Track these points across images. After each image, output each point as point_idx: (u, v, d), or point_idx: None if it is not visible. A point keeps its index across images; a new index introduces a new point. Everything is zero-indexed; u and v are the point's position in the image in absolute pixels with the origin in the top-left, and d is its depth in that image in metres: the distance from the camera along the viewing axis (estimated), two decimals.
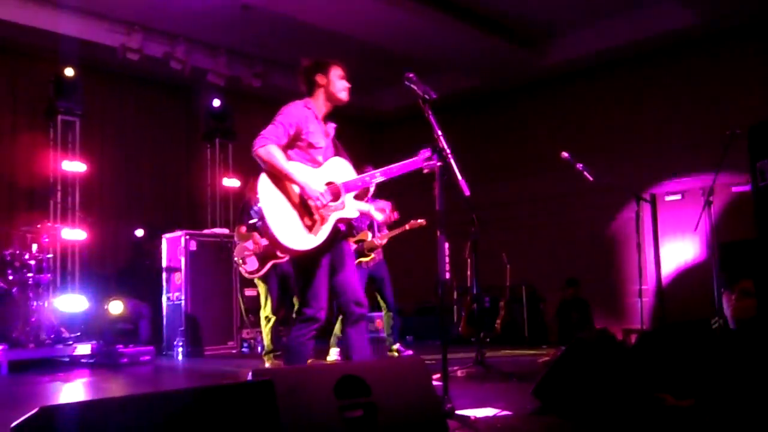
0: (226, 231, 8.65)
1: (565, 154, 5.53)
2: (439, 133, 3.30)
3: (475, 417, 3.39)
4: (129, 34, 8.51)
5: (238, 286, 8.34)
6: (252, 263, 6.08)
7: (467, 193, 3.21)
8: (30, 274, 7.05)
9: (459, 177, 3.23)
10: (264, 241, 6.02)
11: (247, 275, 6.23)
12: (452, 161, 3.26)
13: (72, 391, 5.50)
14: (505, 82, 10.18)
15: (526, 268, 8.99)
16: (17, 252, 7.03)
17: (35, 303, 7.13)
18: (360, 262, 6.22)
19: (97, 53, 8.59)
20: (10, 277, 6.87)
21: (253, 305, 8.43)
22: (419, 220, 6.31)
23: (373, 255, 6.29)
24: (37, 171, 8.49)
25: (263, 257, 6.04)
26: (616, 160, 8.89)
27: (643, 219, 6.74)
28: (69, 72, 8.06)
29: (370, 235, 6.33)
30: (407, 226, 6.34)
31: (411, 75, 3.44)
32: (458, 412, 3.24)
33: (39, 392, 5.41)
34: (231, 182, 9.98)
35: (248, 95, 10.20)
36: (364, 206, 4.09)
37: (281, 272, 6.10)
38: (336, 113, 3.93)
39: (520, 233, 9.88)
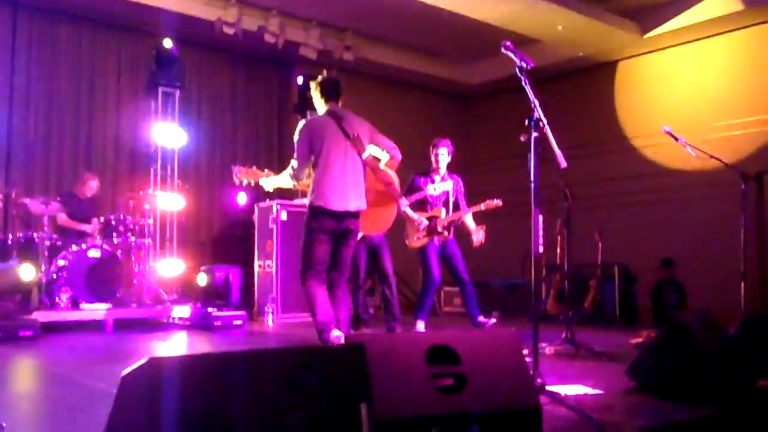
0: None
1: (666, 128, 5.29)
2: (536, 102, 3.22)
3: (566, 394, 3.34)
4: (225, 8, 8.70)
5: None
6: None
7: (564, 165, 3.12)
8: (132, 238, 7.43)
9: (556, 149, 3.14)
10: None
11: None
12: (548, 132, 3.17)
13: (171, 348, 5.78)
14: (603, 53, 9.81)
15: (619, 246, 8.72)
16: (121, 216, 7.41)
17: (137, 266, 7.51)
18: (432, 238, 6.19)
19: (195, 27, 8.84)
20: (115, 240, 7.26)
21: None
22: (495, 201, 6.23)
23: (446, 233, 6.22)
24: (139, 140, 8.88)
25: None
26: (720, 137, 8.44)
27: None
28: (168, 43, 8.32)
29: (444, 212, 6.28)
30: (483, 206, 6.26)
31: (508, 43, 3.36)
32: (548, 387, 3.19)
33: (142, 348, 5.72)
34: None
35: (339, 68, 10.25)
36: None
37: (370, 243, 6.16)
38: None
39: (614, 211, 9.57)
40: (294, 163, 4.45)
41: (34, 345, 5.67)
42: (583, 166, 9.83)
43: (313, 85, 4.61)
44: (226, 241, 9.39)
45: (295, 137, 4.46)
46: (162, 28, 8.37)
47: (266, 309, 7.91)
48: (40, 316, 6.23)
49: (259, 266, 8.31)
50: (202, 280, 7.71)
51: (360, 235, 5.94)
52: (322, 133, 4.37)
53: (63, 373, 4.36)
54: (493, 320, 6.26)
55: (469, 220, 6.34)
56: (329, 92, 4.54)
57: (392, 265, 6.25)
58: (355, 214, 4.45)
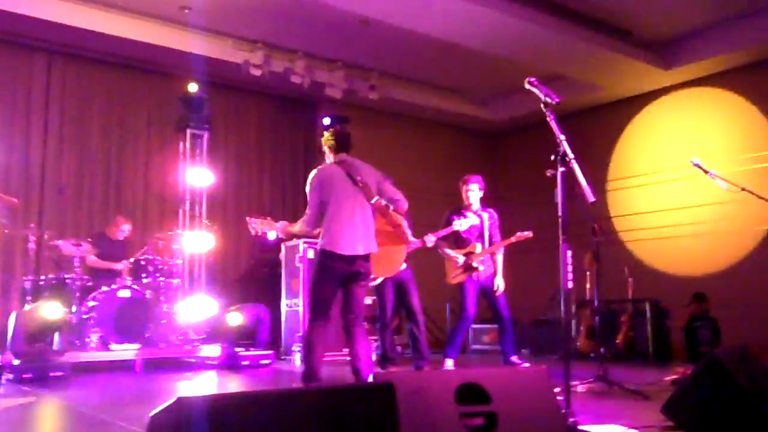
0: None
1: (695, 161, 5.23)
2: (562, 137, 3.21)
3: None
4: (252, 50, 8.89)
5: None
6: None
7: (592, 199, 3.10)
8: (161, 279, 7.50)
9: (583, 182, 3.12)
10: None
11: None
12: (575, 166, 3.16)
13: (199, 387, 5.77)
14: (627, 87, 9.81)
15: (650, 281, 8.58)
16: (151, 257, 7.49)
17: (165, 306, 7.56)
18: (470, 274, 6.14)
19: (223, 70, 9.04)
20: (144, 281, 7.33)
21: (368, 313, 8.54)
22: (525, 233, 6.18)
23: (481, 267, 6.17)
24: (168, 181, 9.03)
25: None
26: (748, 169, 8.33)
27: None
28: (193, 88, 8.52)
29: (479, 246, 6.24)
30: (513, 239, 6.22)
31: (533, 79, 3.38)
32: (581, 427, 3.12)
33: (170, 388, 5.72)
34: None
35: (364, 108, 10.38)
36: None
37: (397, 280, 6.14)
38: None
39: (644, 245, 9.44)
40: (308, 211, 4.62)
41: (65, 386, 5.71)
42: (612, 200, 9.77)
43: (326, 135, 4.84)
44: (253, 280, 9.42)
45: (307, 188, 4.65)
46: (190, 72, 8.56)
47: (293, 348, 7.89)
48: (71, 357, 6.28)
49: (286, 305, 8.32)
50: (232, 319, 7.69)
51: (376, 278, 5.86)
52: (332, 181, 4.56)
53: (93, 414, 4.37)
54: (527, 364, 6.14)
55: (498, 260, 6.27)
56: (340, 144, 4.75)
57: (420, 302, 6.21)
58: (365, 257, 4.55)
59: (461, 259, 6.14)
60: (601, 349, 5.29)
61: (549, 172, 3.31)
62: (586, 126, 10.30)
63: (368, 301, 8.45)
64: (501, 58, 8.86)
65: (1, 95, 8.17)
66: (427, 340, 6.17)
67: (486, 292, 6.22)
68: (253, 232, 4.80)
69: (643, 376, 5.95)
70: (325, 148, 4.81)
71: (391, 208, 4.78)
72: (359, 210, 4.55)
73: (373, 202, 4.63)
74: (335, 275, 4.48)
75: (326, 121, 9.62)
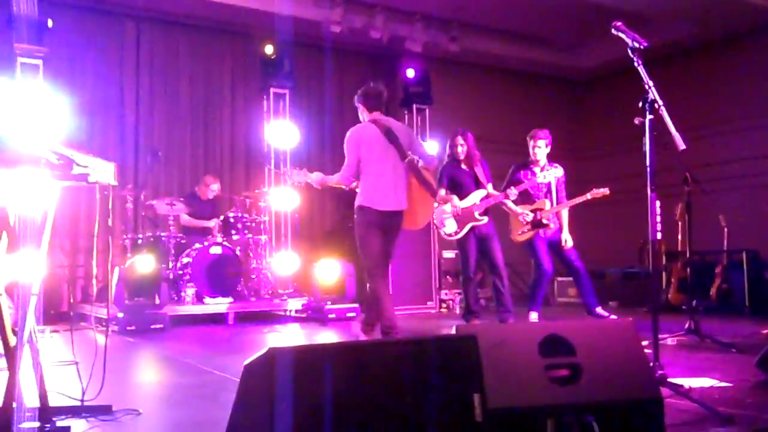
0: None
1: None
2: (650, 83, 3.08)
3: (689, 386, 3.19)
4: (332, 7, 8.88)
5: (437, 248, 8.51)
6: (450, 225, 6.17)
7: (682, 147, 2.98)
8: (250, 236, 7.76)
9: (673, 130, 3.00)
10: (463, 204, 6.09)
11: (445, 237, 6.34)
12: (665, 113, 3.03)
13: (288, 339, 6.00)
14: (722, 29, 9.24)
15: (747, 231, 8.19)
16: (239, 215, 7.75)
17: (254, 262, 7.84)
18: (538, 231, 6.14)
19: (303, 28, 9.08)
20: (234, 238, 7.60)
21: (451, 267, 8.59)
22: (602, 189, 6.06)
23: (551, 224, 6.14)
24: (253, 140, 9.25)
25: (462, 220, 6.10)
26: None
27: None
28: (269, 49, 8.69)
29: (548, 203, 6.18)
30: (589, 195, 6.12)
31: (619, 23, 3.24)
32: (670, 379, 3.07)
33: (260, 339, 5.98)
34: (428, 146, 10.11)
35: (445, 60, 10.24)
36: None
37: (480, 235, 6.12)
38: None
39: (740, 194, 9.00)
40: (345, 167, 4.83)
41: (164, 337, 6.06)
42: (704, 148, 9.31)
43: (359, 94, 5.05)
44: (338, 235, 9.59)
45: (345, 145, 4.87)
46: (272, 31, 8.66)
47: None
48: (169, 310, 6.64)
49: None
50: (318, 274, 7.88)
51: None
52: (367, 140, 4.75)
53: (191, 363, 4.63)
54: (614, 316, 6.05)
55: (564, 215, 6.20)
56: (374, 102, 4.95)
57: (503, 256, 6.19)
58: (399, 212, 4.78)
59: (530, 216, 6.12)
60: (693, 302, 5.13)
61: (636, 120, 3.20)
62: (677, 70, 9.81)
63: (451, 255, 8.52)
64: (585, 2, 8.50)
65: (96, 63, 8.52)
66: (511, 294, 6.15)
67: (554, 247, 6.21)
68: (289, 183, 5.09)
69: (737, 329, 5.74)
70: (359, 106, 4.99)
71: (421, 163, 4.90)
72: (393, 168, 4.72)
73: (405, 161, 4.77)
74: (376, 228, 4.69)
75: (410, 73, 9.59)
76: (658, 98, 3.06)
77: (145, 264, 6.70)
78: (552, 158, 6.41)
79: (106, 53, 8.61)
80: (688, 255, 5.23)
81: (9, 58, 7.19)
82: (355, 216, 4.82)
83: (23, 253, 2.68)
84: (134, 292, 6.58)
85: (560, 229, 6.22)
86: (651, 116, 3.09)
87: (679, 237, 6.91)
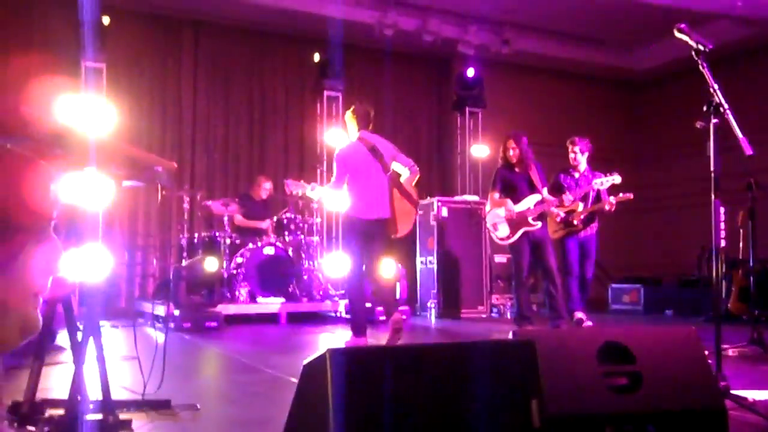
0: (476, 198, 8.79)
1: None
2: (715, 86, 3.00)
3: (754, 399, 3.09)
4: (385, 11, 8.93)
5: (489, 252, 8.46)
6: (503, 230, 6.12)
7: (749, 152, 2.89)
8: (302, 236, 7.84)
9: (739, 135, 2.91)
10: (516, 209, 6.03)
11: (498, 241, 6.29)
12: (731, 117, 2.94)
13: (340, 340, 6.03)
14: None
15: None
16: (292, 216, 7.84)
17: (306, 262, 7.91)
18: (569, 231, 6.27)
19: (356, 31, 9.15)
20: (287, 238, 7.69)
21: (503, 271, 8.51)
22: (627, 195, 6.11)
23: (581, 227, 6.24)
24: (306, 142, 9.36)
25: (515, 224, 6.05)
26: None
27: None
28: (322, 53, 8.83)
29: (581, 205, 6.23)
30: (613, 199, 6.16)
31: (683, 25, 3.16)
32: (733, 391, 2.97)
33: (313, 340, 6.03)
34: (480, 150, 10.08)
35: (497, 62, 10.17)
36: None
37: (533, 239, 6.05)
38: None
39: None
40: (333, 180, 5.32)
41: (219, 335, 6.17)
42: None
43: (348, 114, 5.50)
44: (396, 237, 9.61)
45: (334, 161, 5.38)
46: (325, 35, 8.75)
47: (428, 304, 8.02)
48: (223, 309, 6.76)
49: (421, 262, 8.45)
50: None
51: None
52: (354, 157, 5.23)
53: (246, 361, 4.70)
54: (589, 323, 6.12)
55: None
56: (362, 120, 5.39)
57: (556, 261, 6.11)
58: (382, 221, 5.25)
59: (561, 214, 6.24)
60: (755, 312, 4.96)
61: (698, 124, 3.12)
62: (742, 72, 9.52)
63: (503, 259, 8.45)
64: (642, 3, 8.33)
65: (155, 67, 8.76)
66: (564, 299, 6.07)
67: (583, 250, 6.36)
68: (288, 191, 5.49)
69: None
70: (350, 125, 5.44)
71: (405, 176, 5.42)
72: (376, 181, 5.22)
73: (388, 174, 5.30)
74: (358, 235, 5.19)
75: (470, 72, 9.59)
76: (723, 101, 2.98)
77: (205, 262, 6.83)
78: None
79: (165, 58, 8.84)
80: (750, 263, 5.05)
81: (75, 64, 7.45)
82: (342, 223, 5.36)
83: (88, 250, 2.77)
84: (191, 290, 6.71)
85: (593, 235, 6.40)
86: (716, 120, 3.01)
87: (741, 244, 6.71)
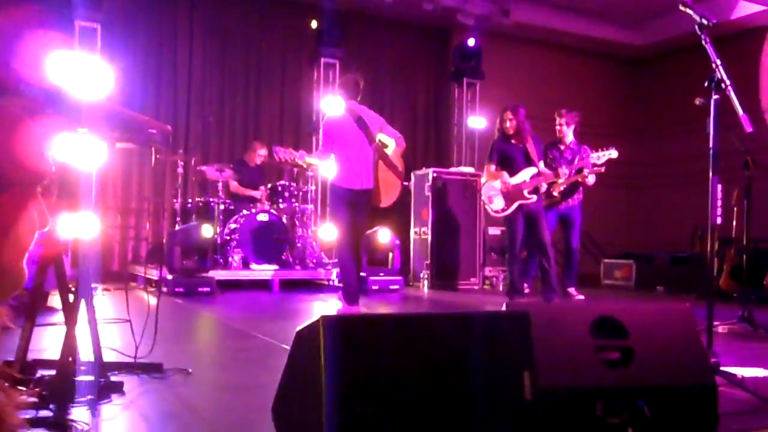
0: (471, 170, 8.77)
1: None
2: (718, 62, 2.96)
3: (742, 376, 3.11)
4: None
5: (483, 224, 8.45)
6: (498, 202, 6.11)
7: (749, 129, 2.87)
8: (296, 204, 7.81)
9: (740, 111, 2.88)
10: (512, 182, 6.02)
11: (493, 214, 6.28)
12: (732, 94, 2.91)
13: (332, 308, 6.05)
14: None
15: None
16: (286, 183, 7.80)
17: (300, 230, 7.90)
18: (550, 204, 6.40)
19: None
20: (281, 206, 7.67)
21: (497, 244, 8.53)
22: (608, 150, 6.12)
23: (532, 196, 6.11)
24: (302, 110, 9.28)
25: (510, 197, 6.04)
26: None
27: None
28: (320, 19, 8.76)
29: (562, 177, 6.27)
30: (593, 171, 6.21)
31: None
32: (723, 368, 2.99)
33: (305, 307, 6.05)
34: (477, 121, 10.02)
35: (497, 34, 10.06)
36: None
37: (528, 212, 6.05)
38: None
39: None
40: (321, 148, 5.48)
41: (212, 301, 6.18)
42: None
43: (337, 85, 5.66)
44: (382, 207, 9.60)
45: (320, 130, 5.54)
46: (322, 1, 8.62)
47: (421, 275, 8.04)
48: (216, 275, 6.75)
49: (415, 233, 8.45)
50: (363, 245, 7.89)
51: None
52: (340, 127, 5.30)
53: (238, 327, 4.71)
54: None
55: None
56: (350, 90, 5.42)
57: (550, 235, 6.12)
58: (366, 191, 5.32)
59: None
60: (746, 290, 4.99)
61: (698, 101, 3.10)
62: (743, 49, 9.45)
63: (497, 231, 8.45)
64: None
65: (150, 29, 8.63)
66: (557, 273, 6.10)
67: (564, 221, 6.55)
68: (276, 159, 5.55)
69: None
70: (339, 96, 5.49)
71: (391, 147, 5.50)
72: (361, 151, 5.29)
73: (373, 145, 5.36)
74: (346, 203, 5.28)
75: (471, 42, 9.49)
76: (725, 78, 2.94)
77: (199, 228, 6.80)
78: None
79: (161, 20, 8.70)
80: (744, 241, 5.07)
81: (68, 23, 7.32)
82: (329, 192, 5.52)
83: (82, 212, 2.75)
84: (183, 255, 6.69)
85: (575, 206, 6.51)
86: (716, 96, 2.98)
87: (734, 223, 6.72)
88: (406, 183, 6.09)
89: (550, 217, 6.37)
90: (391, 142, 5.50)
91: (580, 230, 6.53)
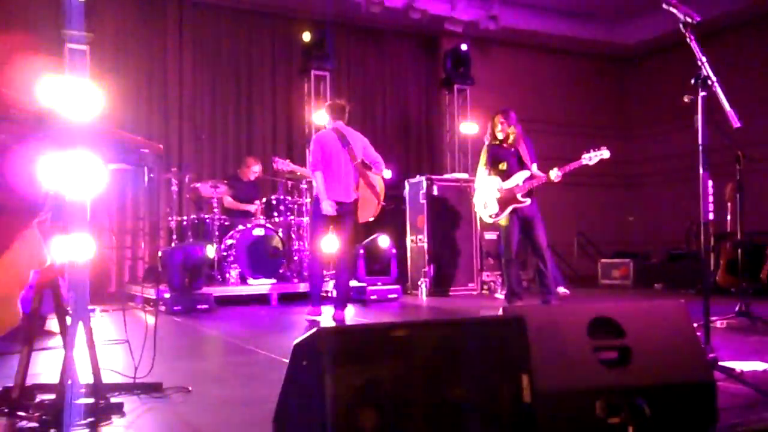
0: (465, 176, 8.79)
1: None
2: (703, 59, 2.99)
3: (741, 370, 3.12)
4: None
5: (478, 229, 8.47)
6: (492, 207, 6.12)
7: (737, 124, 2.89)
8: (292, 217, 7.81)
9: (727, 107, 2.91)
10: (505, 186, 6.03)
11: (487, 219, 6.29)
12: (719, 90, 2.94)
13: (330, 319, 6.04)
14: None
15: None
16: (281, 197, 7.80)
17: (296, 243, 7.90)
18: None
19: (343, 9, 9.06)
20: (276, 219, 7.67)
21: (493, 248, 8.53)
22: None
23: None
24: (294, 122, 9.30)
25: (504, 201, 6.05)
26: None
27: None
28: (306, 36, 8.76)
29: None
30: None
31: None
32: (722, 363, 3.00)
33: (303, 320, 6.02)
34: (469, 127, 10.06)
35: (485, 39, 10.12)
36: None
37: (522, 216, 6.06)
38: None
39: None
40: (309, 162, 5.86)
41: (210, 317, 6.16)
42: (759, 125, 9.05)
43: (325, 107, 6.10)
44: (381, 217, 9.60)
45: (310, 145, 5.99)
46: (312, 13, 8.66)
47: (419, 282, 8.04)
48: (214, 291, 6.75)
49: (412, 241, 8.45)
50: (357, 255, 7.88)
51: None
52: (327, 144, 5.71)
53: (237, 342, 4.70)
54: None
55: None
56: (336, 113, 5.87)
57: (546, 237, 6.12)
58: (347, 203, 5.68)
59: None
60: (743, 284, 5.01)
61: (686, 98, 3.12)
62: (731, 45, 9.51)
63: (493, 236, 8.46)
64: None
65: (140, 46, 8.65)
66: (553, 275, 6.09)
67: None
68: (275, 168, 6.14)
69: None
70: (326, 117, 5.92)
71: (373, 169, 5.89)
72: (344, 167, 5.67)
73: (355, 163, 5.72)
74: (321, 215, 5.67)
75: (463, 47, 9.55)
76: (711, 74, 2.97)
77: (204, 245, 6.81)
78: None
79: (150, 37, 8.73)
80: (738, 236, 5.09)
81: (58, 45, 7.33)
82: (311, 204, 6.01)
83: (75, 235, 2.75)
84: (182, 273, 6.68)
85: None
86: (703, 93, 3.00)
87: (728, 217, 6.75)
88: (383, 204, 6.17)
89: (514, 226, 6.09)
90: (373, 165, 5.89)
91: (544, 226, 6.09)
